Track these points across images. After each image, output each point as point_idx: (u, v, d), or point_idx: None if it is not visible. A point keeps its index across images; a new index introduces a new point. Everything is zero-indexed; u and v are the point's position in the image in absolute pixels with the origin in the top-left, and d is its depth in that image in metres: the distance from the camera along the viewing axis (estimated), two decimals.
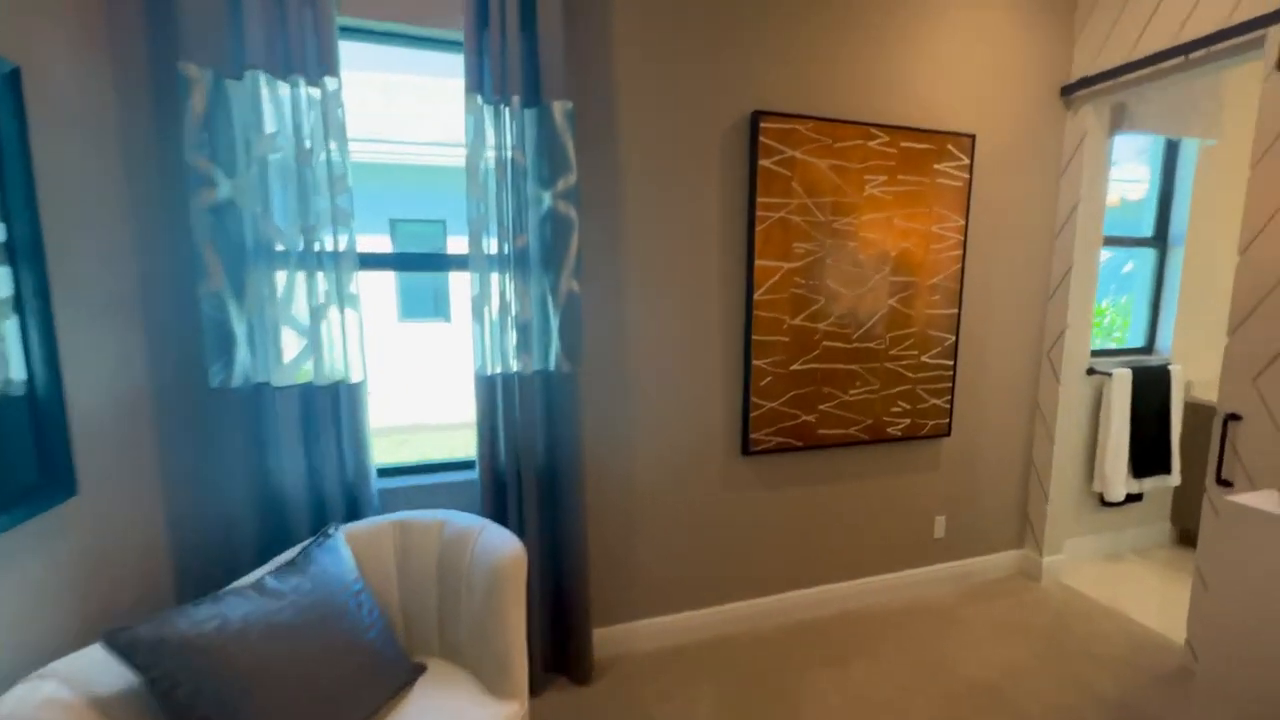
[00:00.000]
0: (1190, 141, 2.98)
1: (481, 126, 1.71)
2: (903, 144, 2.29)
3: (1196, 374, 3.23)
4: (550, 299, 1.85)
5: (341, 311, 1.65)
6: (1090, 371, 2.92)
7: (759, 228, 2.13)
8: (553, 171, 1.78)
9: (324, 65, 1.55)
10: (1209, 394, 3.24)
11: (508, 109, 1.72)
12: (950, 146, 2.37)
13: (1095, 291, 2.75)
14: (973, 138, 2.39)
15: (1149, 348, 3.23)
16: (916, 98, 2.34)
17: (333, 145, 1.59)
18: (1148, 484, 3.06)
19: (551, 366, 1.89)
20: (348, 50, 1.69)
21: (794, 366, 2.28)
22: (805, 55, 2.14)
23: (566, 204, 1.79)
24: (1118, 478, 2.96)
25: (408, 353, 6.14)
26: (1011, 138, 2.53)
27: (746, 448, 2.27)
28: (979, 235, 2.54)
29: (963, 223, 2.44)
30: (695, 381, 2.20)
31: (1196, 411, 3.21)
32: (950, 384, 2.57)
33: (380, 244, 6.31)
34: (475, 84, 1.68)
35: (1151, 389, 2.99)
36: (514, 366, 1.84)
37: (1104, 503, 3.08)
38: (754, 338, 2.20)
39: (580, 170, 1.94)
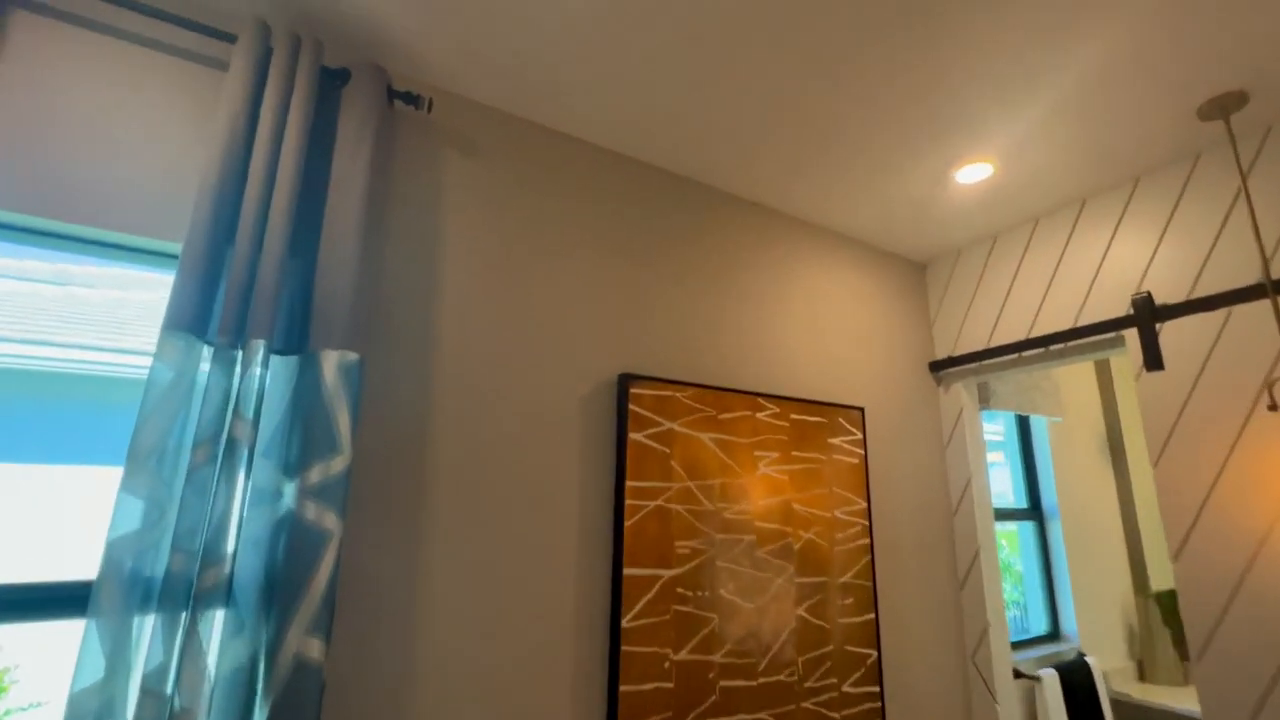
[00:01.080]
0: (1039, 418, 3.09)
1: (187, 380, 1.05)
2: (794, 416, 1.96)
3: (1107, 662, 2.92)
4: (262, 670, 1.03)
5: None
6: (1016, 674, 2.46)
7: (629, 522, 1.55)
8: (306, 452, 1.12)
9: None
10: (1125, 686, 2.90)
11: (241, 355, 1.10)
12: (841, 419, 2.09)
13: (1001, 577, 2.43)
14: (862, 411, 2.16)
15: (1055, 633, 2.91)
16: (802, 368, 2.10)
17: None
18: None
19: None
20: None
21: None
22: (682, 316, 1.85)
23: (321, 506, 1.10)
24: None
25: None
26: (896, 411, 2.36)
27: None
28: (883, 519, 2.18)
29: (865, 505, 2.07)
30: None
31: (1120, 711, 2.82)
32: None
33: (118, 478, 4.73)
34: (190, 318, 1.06)
35: (1080, 690, 2.57)
36: None
37: None
38: (622, 689, 1.46)
39: (360, 449, 1.30)
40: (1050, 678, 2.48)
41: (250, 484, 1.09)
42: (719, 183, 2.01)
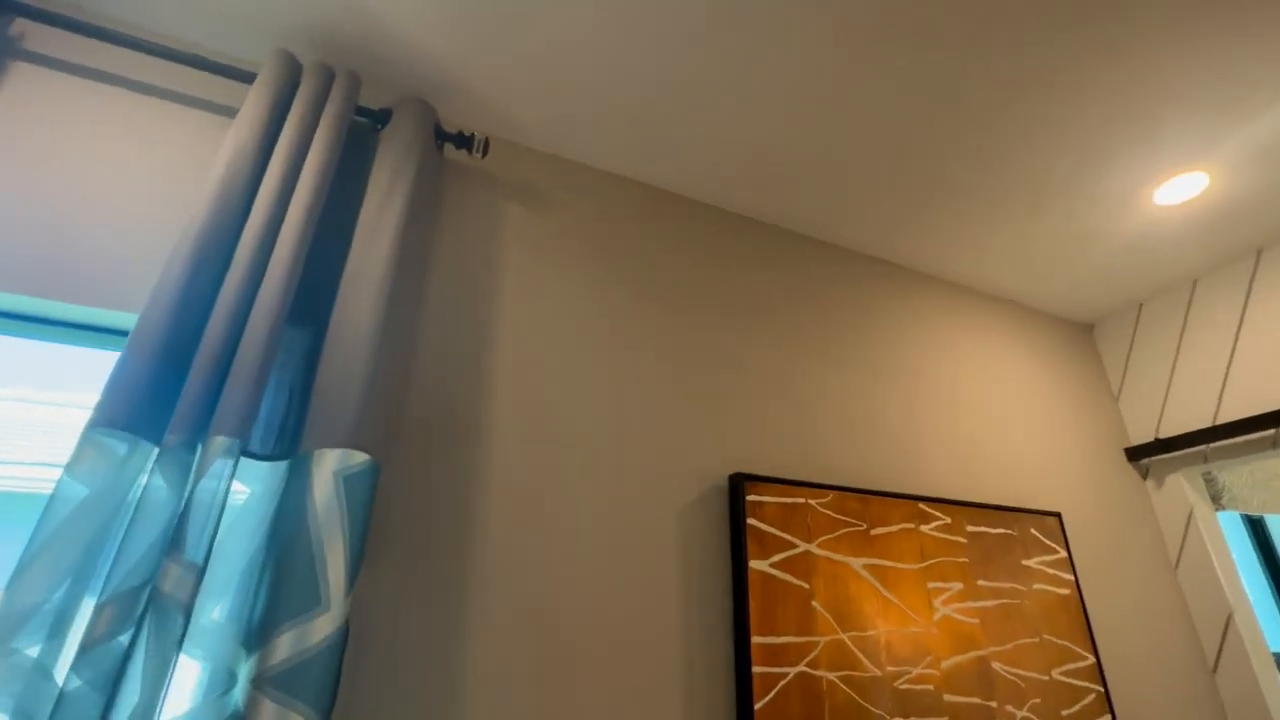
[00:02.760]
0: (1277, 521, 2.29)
1: (111, 501, 0.71)
2: (970, 528, 1.41)
3: None
4: None
5: None
6: None
7: (761, 703, 1.03)
8: (272, 611, 0.73)
9: None
10: None
11: (197, 458, 0.75)
12: (1034, 530, 1.50)
13: None
14: (1059, 517, 1.56)
15: None
16: (969, 463, 1.57)
17: None
18: None
19: None
20: None
21: None
22: (809, 400, 1.41)
23: (284, 704, 0.68)
24: None
25: None
26: (1098, 516, 1.73)
27: None
28: (1120, 681, 1.50)
29: (1093, 659, 1.42)
30: None
31: None
32: None
33: None
34: (134, 411, 0.74)
35: None
36: None
37: None
38: None
39: (367, 596, 0.89)
40: None
41: (183, 667, 0.70)
42: (844, 239, 1.63)
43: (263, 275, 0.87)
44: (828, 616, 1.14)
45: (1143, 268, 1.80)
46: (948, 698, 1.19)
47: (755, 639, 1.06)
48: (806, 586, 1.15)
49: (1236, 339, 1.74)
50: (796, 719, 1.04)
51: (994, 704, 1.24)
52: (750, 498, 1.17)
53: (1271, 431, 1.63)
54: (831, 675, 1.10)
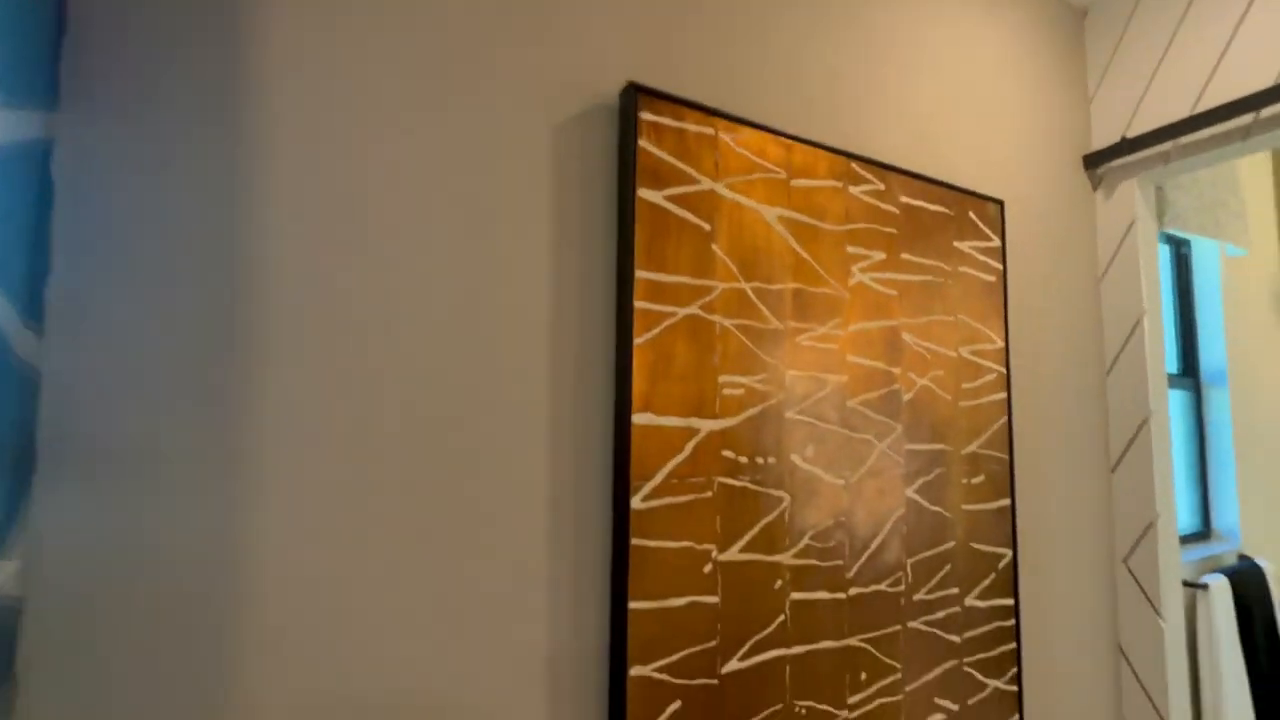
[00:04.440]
0: (1206, 252, 2.28)
1: None
2: (905, 199, 1.24)
3: None
4: None
5: None
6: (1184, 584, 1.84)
7: (641, 338, 0.90)
8: None
9: None
10: None
11: None
12: (973, 215, 1.36)
13: (1173, 460, 1.75)
14: (1001, 205, 1.42)
15: (1205, 530, 2.26)
16: (915, 132, 1.35)
17: None
18: None
19: None
20: None
21: (727, 667, 0.95)
22: (733, 14, 1.10)
23: None
24: None
25: None
26: (1040, 215, 1.60)
27: None
28: (1023, 368, 1.50)
29: (1002, 344, 1.39)
30: None
31: None
32: (1015, 643, 1.35)
33: None
34: None
35: (1254, 605, 1.95)
36: None
37: None
38: (632, 607, 0.87)
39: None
40: (1219, 587, 1.86)
41: None
42: None
43: None
44: (729, 263, 0.99)
45: None
46: (850, 358, 1.12)
47: (640, 273, 0.90)
48: (707, 227, 0.97)
49: (1242, 20, 1.47)
50: (682, 359, 0.93)
51: (897, 370, 1.19)
52: (645, 115, 0.93)
53: (1248, 119, 1.46)
54: (726, 321, 0.98)
